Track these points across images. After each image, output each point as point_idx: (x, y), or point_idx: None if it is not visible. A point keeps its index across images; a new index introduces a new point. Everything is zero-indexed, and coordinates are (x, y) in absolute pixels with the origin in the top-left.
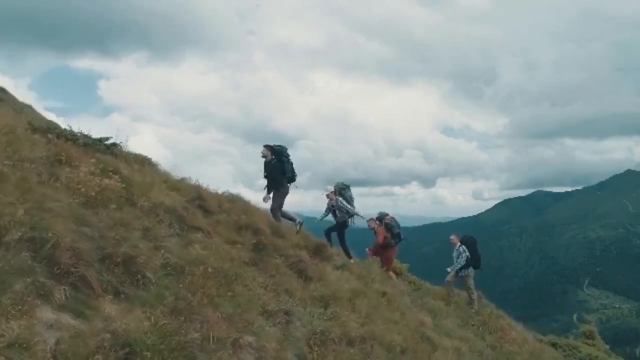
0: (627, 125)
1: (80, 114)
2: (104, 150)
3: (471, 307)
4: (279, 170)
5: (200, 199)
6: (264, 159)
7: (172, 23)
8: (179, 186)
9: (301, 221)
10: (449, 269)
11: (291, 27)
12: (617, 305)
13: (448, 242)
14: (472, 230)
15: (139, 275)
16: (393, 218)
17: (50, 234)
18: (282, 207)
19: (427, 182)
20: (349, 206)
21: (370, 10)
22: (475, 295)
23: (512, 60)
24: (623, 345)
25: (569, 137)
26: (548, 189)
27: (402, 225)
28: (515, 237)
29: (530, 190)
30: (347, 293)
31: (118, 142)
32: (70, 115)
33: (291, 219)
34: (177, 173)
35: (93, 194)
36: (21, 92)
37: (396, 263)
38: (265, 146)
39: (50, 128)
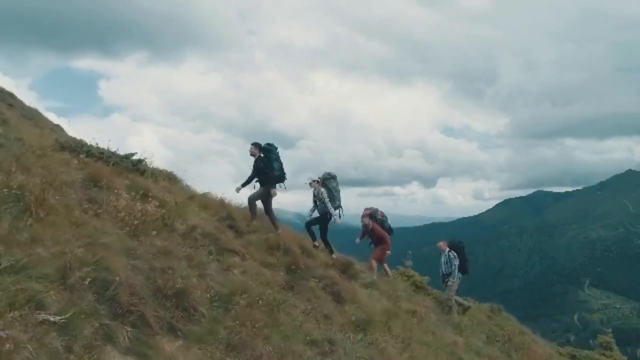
0: (627, 125)
1: (81, 114)
2: (131, 167)
3: (457, 312)
4: (266, 166)
5: (229, 218)
6: (252, 157)
7: (173, 23)
8: (206, 202)
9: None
10: (450, 282)
11: (292, 27)
12: (617, 306)
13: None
14: (472, 230)
15: (190, 309)
16: (383, 213)
17: (111, 274)
18: (264, 204)
19: (428, 182)
20: (326, 199)
21: (370, 10)
22: (453, 303)
23: (512, 60)
24: (624, 345)
25: (569, 137)
26: (548, 189)
27: (402, 225)
28: (515, 237)
29: (530, 190)
30: (381, 315)
31: (142, 157)
32: (71, 115)
33: (274, 224)
34: (181, 174)
35: (136, 222)
36: (22, 92)
37: (417, 276)
38: (252, 144)
39: (77, 146)
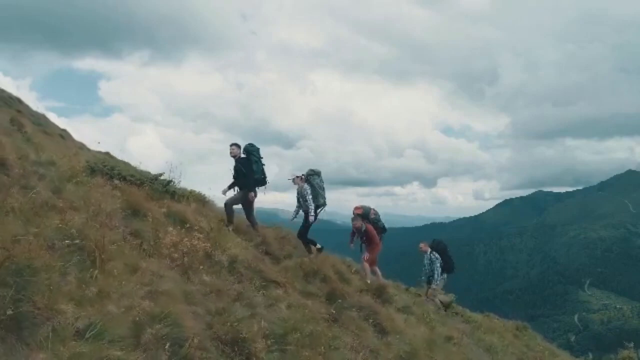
0: (628, 125)
1: (81, 114)
2: (162, 189)
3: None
4: (245, 168)
5: (264, 243)
6: (233, 159)
7: (174, 23)
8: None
9: (232, 227)
10: (434, 286)
11: (293, 27)
12: (618, 306)
13: (449, 243)
14: (472, 230)
15: (251, 356)
16: (376, 211)
17: (180, 329)
18: (245, 209)
19: (428, 182)
20: (308, 197)
21: (371, 11)
22: (435, 303)
23: (513, 60)
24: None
25: (570, 137)
26: (549, 189)
27: (402, 225)
28: (516, 237)
29: (531, 190)
30: (422, 345)
31: (170, 178)
32: (71, 115)
33: (255, 228)
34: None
35: (185, 259)
36: (23, 92)
37: (444, 295)
38: (233, 144)
39: (108, 168)
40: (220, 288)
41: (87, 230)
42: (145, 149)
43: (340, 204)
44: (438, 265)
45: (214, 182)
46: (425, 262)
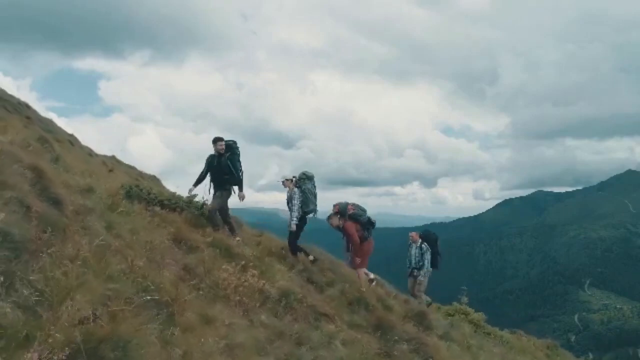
0: (628, 125)
1: (81, 114)
2: (197, 212)
3: (420, 302)
4: (234, 165)
5: (306, 270)
6: (217, 154)
7: (175, 23)
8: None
9: (238, 239)
10: (421, 278)
11: (293, 27)
12: (618, 306)
13: (449, 243)
14: (472, 230)
15: None
16: (355, 205)
17: None
18: (226, 209)
19: (429, 182)
20: (295, 201)
21: (371, 11)
22: (422, 298)
23: (513, 60)
24: (625, 346)
25: (570, 137)
26: (549, 189)
27: (402, 225)
28: (516, 237)
29: (531, 190)
30: None
31: (203, 199)
32: (71, 115)
33: (233, 233)
34: None
35: (245, 300)
36: (23, 93)
37: (473, 313)
38: (219, 139)
39: (142, 191)
40: (281, 330)
41: (154, 275)
42: (145, 149)
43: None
44: (429, 255)
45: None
46: (413, 252)
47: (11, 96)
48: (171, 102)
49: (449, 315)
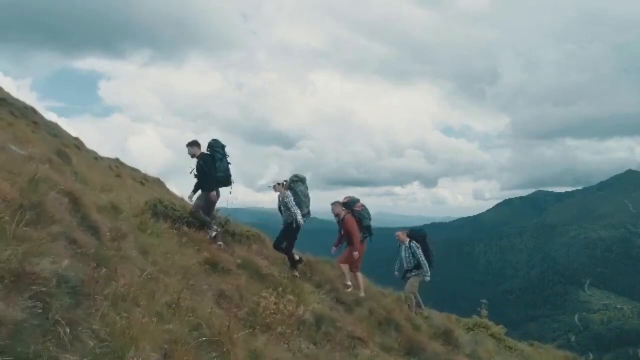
0: (628, 125)
1: (81, 114)
2: (221, 229)
3: (418, 311)
4: (208, 164)
5: (333, 290)
6: (194, 158)
7: (176, 23)
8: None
9: (216, 233)
10: (412, 275)
11: (293, 28)
12: (618, 306)
13: (449, 243)
14: (472, 230)
15: None
16: (364, 206)
17: None
18: (205, 210)
19: (429, 182)
20: (292, 203)
21: (371, 11)
22: (413, 300)
23: (513, 60)
24: (625, 346)
25: (570, 137)
26: (549, 189)
27: (402, 225)
28: (516, 237)
29: (531, 190)
30: None
31: (227, 216)
32: (71, 115)
33: (209, 227)
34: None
35: (288, 330)
36: (23, 93)
37: (493, 327)
38: (188, 144)
39: (167, 208)
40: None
41: (200, 309)
42: (145, 149)
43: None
44: (420, 252)
45: None
46: (403, 254)
47: (17, 100)
48: (171, 102)
49: (469, 329)
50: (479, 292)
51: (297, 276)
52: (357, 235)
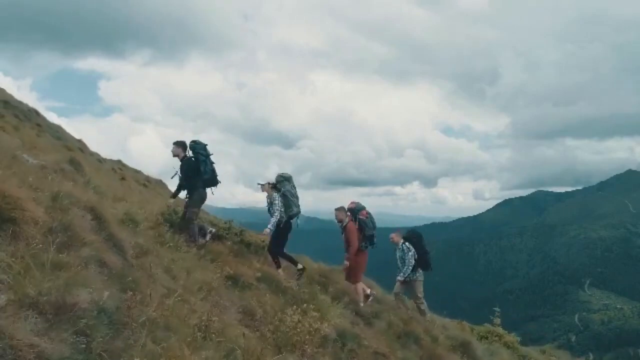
0: (628, 125)
1: (81, 114)
2: (237, 239)
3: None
4: (192, 169)
5: (352, 302)
6: (177, 158)
7: (176, 23)
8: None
9: (207, 239)
10: (399, 277)
11: (293, 28)
12: (619, 306)
13: (449, 243)
14: (472, 230)
15: None
16: (369, 214)
17: None
18: (197, 215)
19: (429, 181)
20: (276, 205)
21: (371, 11)
22: (424, 305)
23: (514, 60)
24: (625, 346)
25: (570, 137)
26: (549, 189)
27: (402, 225)
28: (516, 237)
29: (531, 190)
30: None
31: (240, 226)
32: (71, 115)
33: (197, 233)
34: None
35: (314, 349)
36: (23, 93)
37: (506, 335)
38: (174, 143)
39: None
40: None
41: (230, 332)
42: (145, 149)
43: (341, 204)
44: (410, 255)
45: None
46: (398, 255)
47: (20, 102)
48: (171, 102)
49: (482, 337)
50: (479, 292)
51: (300, 269)
52: (355, 245)
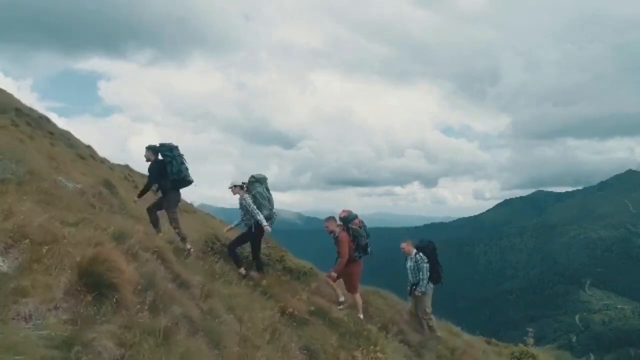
0: (628, 125)
1: (81, 114)
2: (279, 266)
3: (431, 336)
4: (158, 171)
5: (400, 332)
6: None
7: (177, 23)
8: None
9: (189, 247)
10: (418, 290)
11: (293, 28)
12: (619, 306)
13: (449, 243)
14: (472, 230)
15: None
16: (362, 223)
17: None
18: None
19: (429, 181)
20: (252, 206)
21: (371, 11)
22: (433, 321)
23: (514, 61)
24: (626, 346)
25: (570, 137)
26: (549, 189)
27: (403, 225)
28: (516, 237)
29: (531, 190)
30: None
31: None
32: (71, 115)
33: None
34: None
35: None
36: (24, 93)
37: (541, 356)
38: (146, 148)
39: (223, 244)
40: None
41: None
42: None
43: (341, 204)
44: (425, 267)
45: (213, 182)
46: (409, 265)
47: (31, 110)
48: (171, 102)
49: (515, 358)
50: (479, 292)
51: (244, 275)
52: (345, 257)
